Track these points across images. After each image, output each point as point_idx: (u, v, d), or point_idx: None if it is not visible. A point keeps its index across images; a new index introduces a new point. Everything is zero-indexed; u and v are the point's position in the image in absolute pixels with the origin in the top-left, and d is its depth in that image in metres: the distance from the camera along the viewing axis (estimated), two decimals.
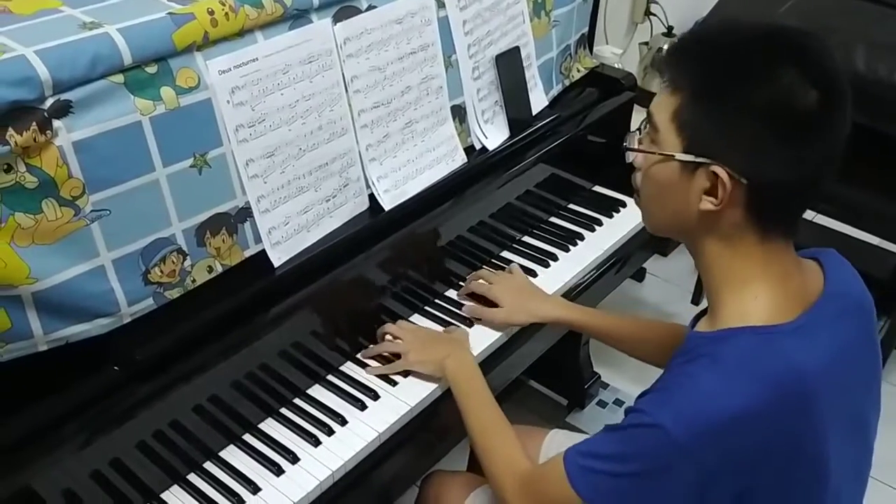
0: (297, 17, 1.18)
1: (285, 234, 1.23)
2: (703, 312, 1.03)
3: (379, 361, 1.36)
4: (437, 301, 1.51)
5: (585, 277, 1.64)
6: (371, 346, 1.38)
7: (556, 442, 1.39)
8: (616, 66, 2.02)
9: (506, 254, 1.64)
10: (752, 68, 0.88)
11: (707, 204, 0.91)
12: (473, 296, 1.50)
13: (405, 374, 1.33)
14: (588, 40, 1.87)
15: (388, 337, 1.38)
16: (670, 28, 2.54)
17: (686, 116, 0.91)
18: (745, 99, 0.87)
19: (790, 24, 0.92)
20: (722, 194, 0.89)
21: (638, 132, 1.00)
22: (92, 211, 1.00)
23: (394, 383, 1.32)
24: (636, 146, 0.98)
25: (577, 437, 1.42)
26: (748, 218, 0.92)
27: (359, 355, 1.37)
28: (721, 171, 0.88)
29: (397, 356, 1.34)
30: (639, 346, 1.36)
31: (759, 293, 0.93)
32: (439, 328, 1.44)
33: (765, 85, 0.87)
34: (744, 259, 0.94)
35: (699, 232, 0.96)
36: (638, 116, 1.92)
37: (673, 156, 0.92)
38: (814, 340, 0.92)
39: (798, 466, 0.92)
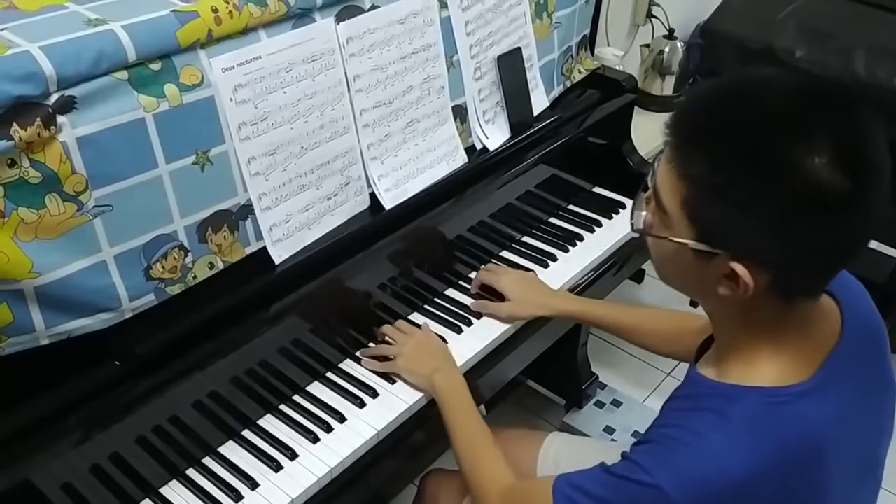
0: (301, 16, 1.19)
1: (286, 232, 1.23)
2: (708, 342, 0.98)
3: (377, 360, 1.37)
4: (436, 300, 1.51)
5: (584, 278, 1.64)
6: (371, 345, 1.39)
7: (555, 446, 1.39)
8: (617, 67, 2.03)
9: (505, 254, 1.65)
10: (773, 156, 0.77)
11: (726, 290, 0.84)
12: (483, 289, 1.51)
13: None
14: (589, 42, 1.87)
15: (386, 338, 1.38)
16: (671, 31, 2.54)
17: (699, 208, 0.82)
18: (766, 199, 0.78)
19: (814, 74, 0.81)
20: (743, 286, 0.82)
21: (643, 191, 0.91)
22: (94, 206, 1.00)
23: (392, 381, 1.33)
24: (643, 222, 0.90)
25: (576, 442, 1.43)
26: (772, 294, 0.84)
27: (358, 353, 1.38)
28: (739, 268, 0.81)
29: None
30: (646, 337, 1.36)
31: (773, 353, 0.88)
32: (439, 327, 1.45)
33: (789, 175, 0.77)
34: (763, 324, 0.88)
35: (716, 302, 0.89)
36: (639, 119, 1.93)
37: (687, 244, 0.84)
38: (826, 396, 0.86)
39: None
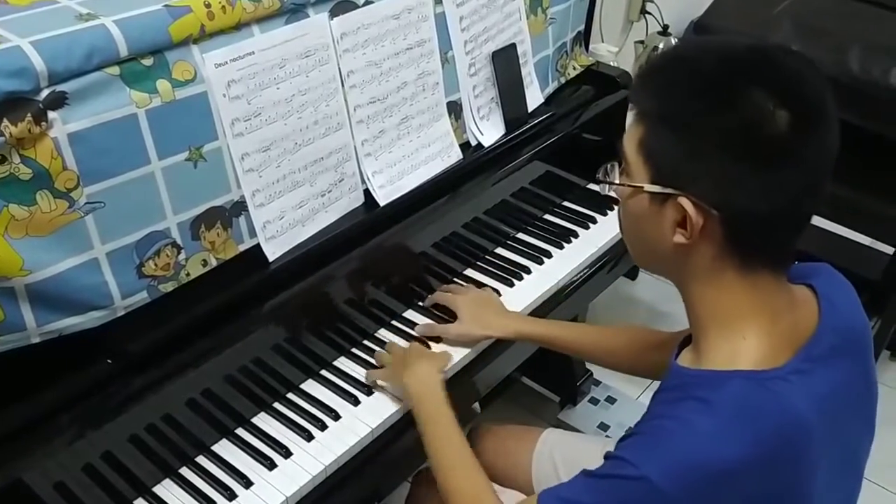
0: (294, 12, 1.18)
1: (280, 229, 1.23)
2: (689, 339, 0.96)
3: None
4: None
5: (579, 275, 1.64)
6: (365, 342, 1.38)
7: (550, 442, 1.38)
8: (612, 64, 2.03)
9: (500, 250, 1.64)
10: (716, 92, 0.83)
11: (680, 237, 0.86)
12: (438, 309, 1.46)
13: None
14: (584, 38, 1.87)
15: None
16: (666, 27, 2.53)
17: (652, 146, 0.87)
18: (709, 125, 0.82)
19: (772, 39, 0.87)
20: (691, 227, 0.85)
21: (618, 164, 0.95)
22: (86, 203, 0.99)
23: None
24: (613, 179, 0.94)
25: (571, 437, 1.43)
26: (727, 251, 0.86)
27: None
28: (687, 203, 0.84)
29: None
30: (604, 357, 1.34)
31: (747, 334, 0.88)
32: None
33: (729, 110, 0.81)
34: (728, 296, 0.88)
35: (679, 266, 0.91)
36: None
37: (642, 187, 0.88)
38: (808, 383, 0.86)
39: None
